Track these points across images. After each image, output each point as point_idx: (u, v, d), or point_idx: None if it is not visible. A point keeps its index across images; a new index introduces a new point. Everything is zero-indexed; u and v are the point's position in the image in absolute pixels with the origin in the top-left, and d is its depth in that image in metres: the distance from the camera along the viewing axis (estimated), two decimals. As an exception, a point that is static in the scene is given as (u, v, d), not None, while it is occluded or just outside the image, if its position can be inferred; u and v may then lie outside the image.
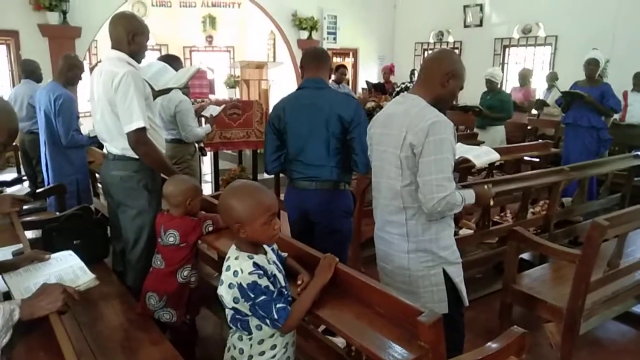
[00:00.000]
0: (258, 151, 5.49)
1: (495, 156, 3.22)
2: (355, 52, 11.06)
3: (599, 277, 2.55)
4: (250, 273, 1.49)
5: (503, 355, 1.51)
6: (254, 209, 1.52)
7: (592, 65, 4.95)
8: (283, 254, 1.78)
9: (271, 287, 1.51)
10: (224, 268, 1.58)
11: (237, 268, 1.52)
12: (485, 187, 2.20)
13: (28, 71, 4.88)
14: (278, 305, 1.51)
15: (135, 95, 2.35)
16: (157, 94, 2.97)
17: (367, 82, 7.55)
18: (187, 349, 2.33)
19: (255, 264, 1.52)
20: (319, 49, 2.92)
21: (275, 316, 1.50)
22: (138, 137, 2.39)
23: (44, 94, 3.97)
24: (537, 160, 5.01)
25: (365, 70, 10.92)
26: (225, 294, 1.54)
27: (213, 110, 4.26)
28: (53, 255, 1.85)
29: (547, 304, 2.58)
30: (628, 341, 3.08)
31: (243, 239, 1.56)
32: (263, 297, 1.49)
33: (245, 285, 1.49)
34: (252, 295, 1.49)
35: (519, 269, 2.87)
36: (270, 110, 2.77)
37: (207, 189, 6.04)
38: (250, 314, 1.53)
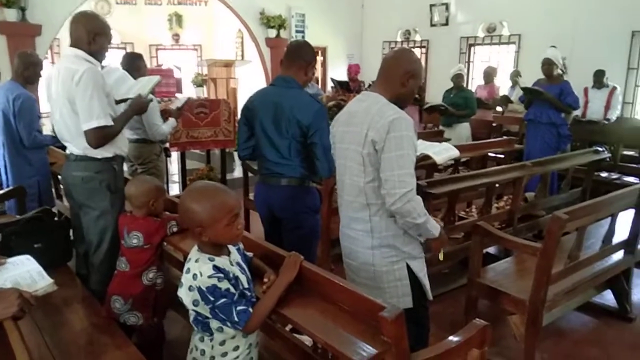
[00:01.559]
0: (226, 150, 5.44)
1: (455, 152, 3.27)
2: (324, 51, 11.04)
3: (560, 270, 2.61)
4: (209, 276, 1.47)
5: (465, 347, 1.53)
6: (216, 212, 1.49)
7: (546, 65, 5.10)
8: (249, 254, 1.77)
9: (232, 290, 1.49)
10: (184, 270, 1.56)
11: (197, 271, 1.49)
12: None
13: (-13, 71, 4.70)
14: (238, 308, 1.49)
15: (96, 92, 2.30)
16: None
17: (332, 79, 7.50)
18: (153, 352, 2.29)
19: (215, 267, 1.49)
20: (297, 44, 2.71)
21: (236, 319, 1.48)
22: (98, 136, 2.34)
23: (1, 94, 3.83)
24: (502, 156, 5.11)
25: (334, 68, 10.93)
26: (185, 296, 1.52)
27: (179, 102, 4.22)
28: (9, 260, 1.79)
29: (510, 297, 2.63)
30: (589, 330, 3.18)
31: (205, 241, 1.54)
32: (223, 300, 1.47)
33: (204, 289, 1.47)
34: (212, 299, 1.47)
35: (485, 263, 2.91)
36: (242, 104, 2.76)
37: (175, 189, 5.96)
38: (210, 316, 1.51)
